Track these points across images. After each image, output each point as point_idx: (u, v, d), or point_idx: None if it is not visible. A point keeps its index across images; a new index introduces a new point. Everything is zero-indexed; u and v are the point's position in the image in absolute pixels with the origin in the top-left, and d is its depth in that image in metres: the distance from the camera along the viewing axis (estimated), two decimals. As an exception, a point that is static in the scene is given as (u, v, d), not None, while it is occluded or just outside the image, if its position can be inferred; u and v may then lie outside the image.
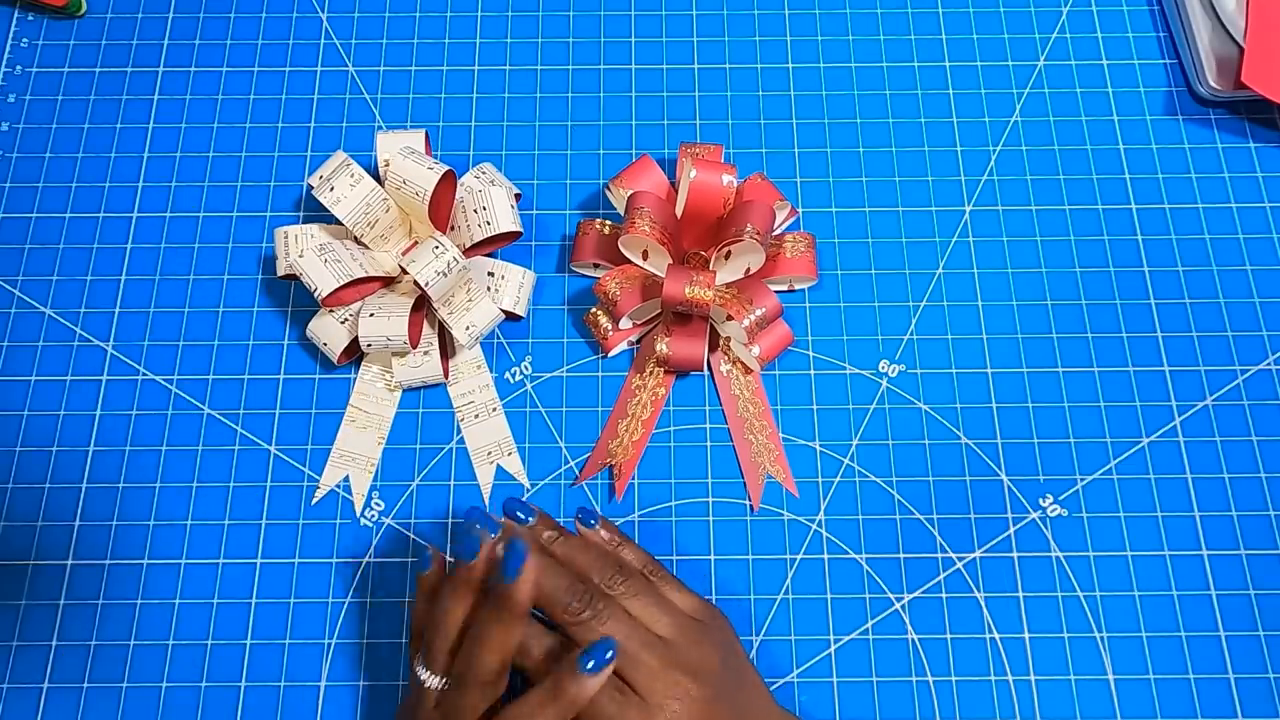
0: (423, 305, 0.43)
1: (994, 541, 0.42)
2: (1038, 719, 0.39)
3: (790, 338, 0.43)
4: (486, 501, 0.43)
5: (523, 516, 0.36)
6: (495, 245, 0.44)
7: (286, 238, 0.43)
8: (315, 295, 0.41)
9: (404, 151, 0.42)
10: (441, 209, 0.43)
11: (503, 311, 0.43)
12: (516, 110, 0.49)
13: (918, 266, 0.46)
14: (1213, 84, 0.48)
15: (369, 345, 0.41)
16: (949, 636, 0.41)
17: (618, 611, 0.35)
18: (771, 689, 0.40)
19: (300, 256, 0.41)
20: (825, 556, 0.42)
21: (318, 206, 0.42)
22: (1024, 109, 0.49)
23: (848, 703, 0.40)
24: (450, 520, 0.42)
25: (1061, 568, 0.41)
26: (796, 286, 0.46)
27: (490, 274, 0.44)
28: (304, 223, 0.45)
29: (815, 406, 0.44)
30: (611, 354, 0.45)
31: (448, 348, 0.44)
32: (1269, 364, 0.44)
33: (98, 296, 0.46)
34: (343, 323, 0.42)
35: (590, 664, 0.32)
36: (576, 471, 0.43)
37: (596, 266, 0.45)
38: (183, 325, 0.45)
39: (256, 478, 0.43)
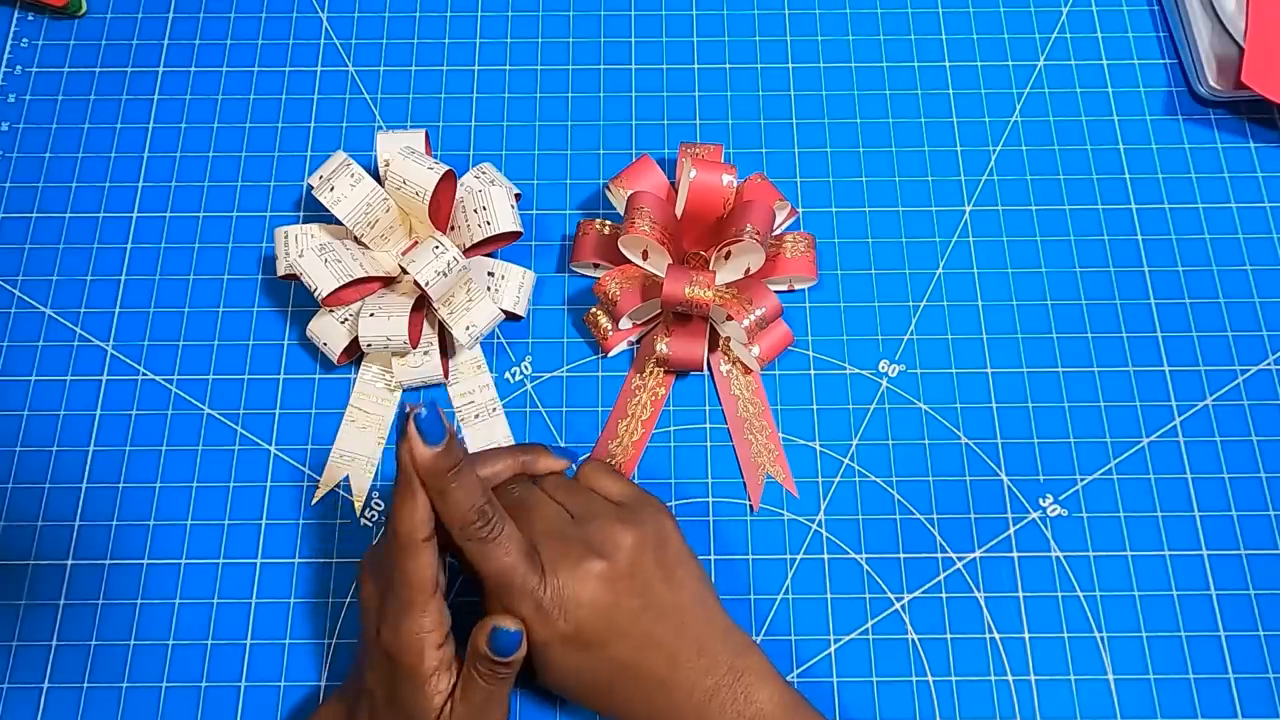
0: (423, 305, 0.43)
1: (994, 541, 0.42)
2: (1038, 719, 0.39)
3: (790, 338, 0.43)
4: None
5: (436, 433, 0.31)
6: (495, 245, 0.44)
7: (286, 238, 0.43)
8: (315, 295, 0.41)
9: (404, 151, 0.42)
10: (441, 209, 0.43)
11: (503, 311, 0.43)
12: (516, 110, 0.49)
13: (918, 266, 0.46)
14: (1213, 84, 0.48)
15: (369, 345, 0.41)
16: (949, 636, 0.41)
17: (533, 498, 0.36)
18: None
19: (300, 256, 0.41)
20: (825, 556, 0.42)
21: (318, 206, 0.42)
22: (1024, 109, 0.49)
23: (848, 703, 0.40)
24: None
25: (1061, 568, 0.41)
26: (796, 286, 0.46)
27: (490, 274, 0.44)
28: (304, 223, 0.45)
29: (815, 406, 0.44)
30: (611, 354, 0.45)
31: (448, 348, 0.44)
32: (1269, 364, 0.44)
33: (98, 296, 0.46)
34: (343, 323, 0.42)
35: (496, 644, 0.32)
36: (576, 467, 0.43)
37: (596, 266, 0.45)
38: (183, 325, 0.45)
39: (256, 478, 0.43)
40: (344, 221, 0.41)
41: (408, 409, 0.31)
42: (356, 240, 0.43)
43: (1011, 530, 0.42)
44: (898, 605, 0.41)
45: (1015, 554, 0.42)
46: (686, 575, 0.36)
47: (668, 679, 0.34)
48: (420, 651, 0.32)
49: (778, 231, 0.45)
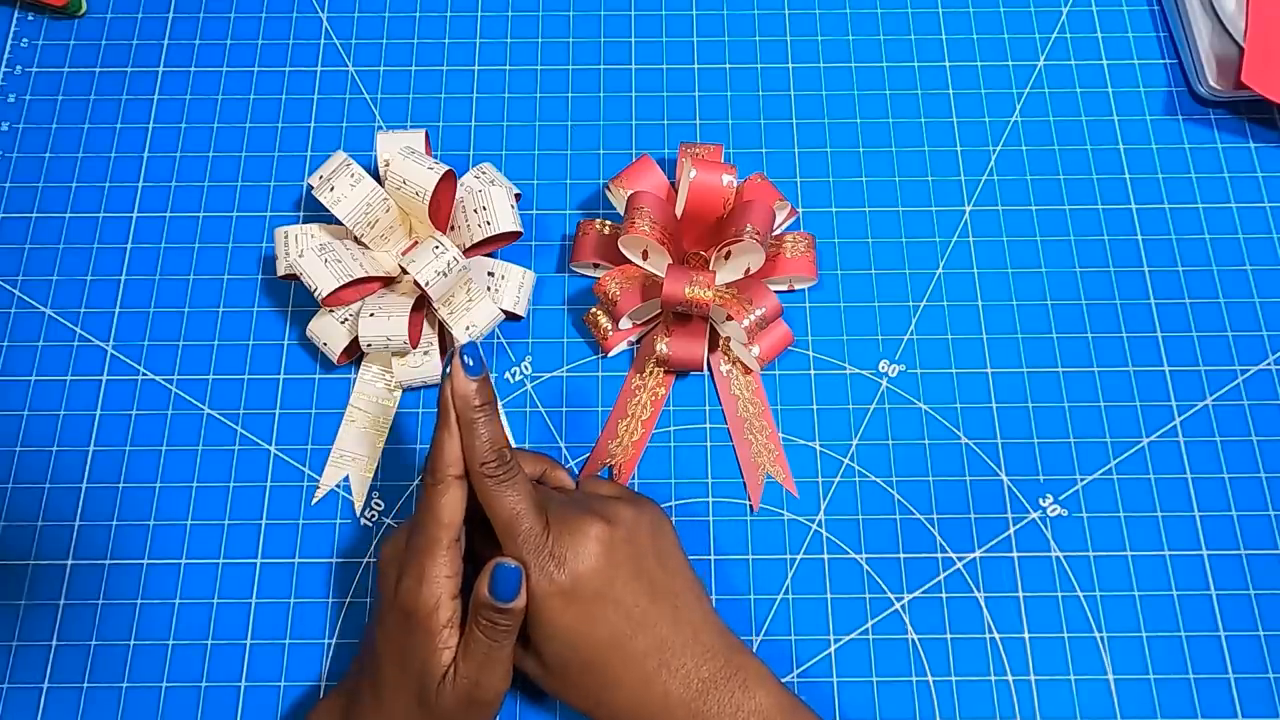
0: (423, 305, 0.43)
1: (994, 541, 0.42)
2: (1038, 719, 0.39)
3: (790, 338, 0.43)
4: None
5: (478, 368, 0.35)
6: (495, 245, 0.44)
7: (286, 238, 0.43)
8: (315, 295, 0.41)
9: (404, 151, 0.42)
10: (441, 209, 0.43)
11: (503, 311, 0.43)
12: (516, 110, 0.49)
13: (918, 266, 0.46)
14: (1213, 84, 0.48)
15: (369, 345, 0.41)
16: (949, 636, 0.41)
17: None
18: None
19: (300, 256, 0.41)
20: (825, 556, 0.42)
21: (318, 206, 0.42)
22: (1024, 109, 0.49)
23: (848, 703, 0.40)
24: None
25: (1061, 568, 0.41)
26: (796, 286, 0.46)
27: (490, 274, 0.44)
28: (304, 223, 0.45)
29: (815, 406, 0.44)
30: (611, 354, 0.45)
31: (448, 348, 0.44)
32: (1269, 364, 0.44)
33: (98, 296, 0.46)
34: (343, 323, 0.42)
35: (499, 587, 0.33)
36: (577, 471, 0.43)
37: (596, 266, 0.45)
38: (183, 325, 0.45)
39: (256, 478, 0.43)
40: (344, 221, 0.41)
41: (454, 348, 0.34)
42: (356, 240, 0.43)
43: (1011, 530, 0.42)
44: (898, 605, 0.41)
45: (1015, 554, 0.42)
46: (681, 567, 0.37)
47: (662, 663, 0.34)
48: (436, 600, 0.33)
49: (778, 231, 0.45)
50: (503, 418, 0.44)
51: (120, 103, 0.49)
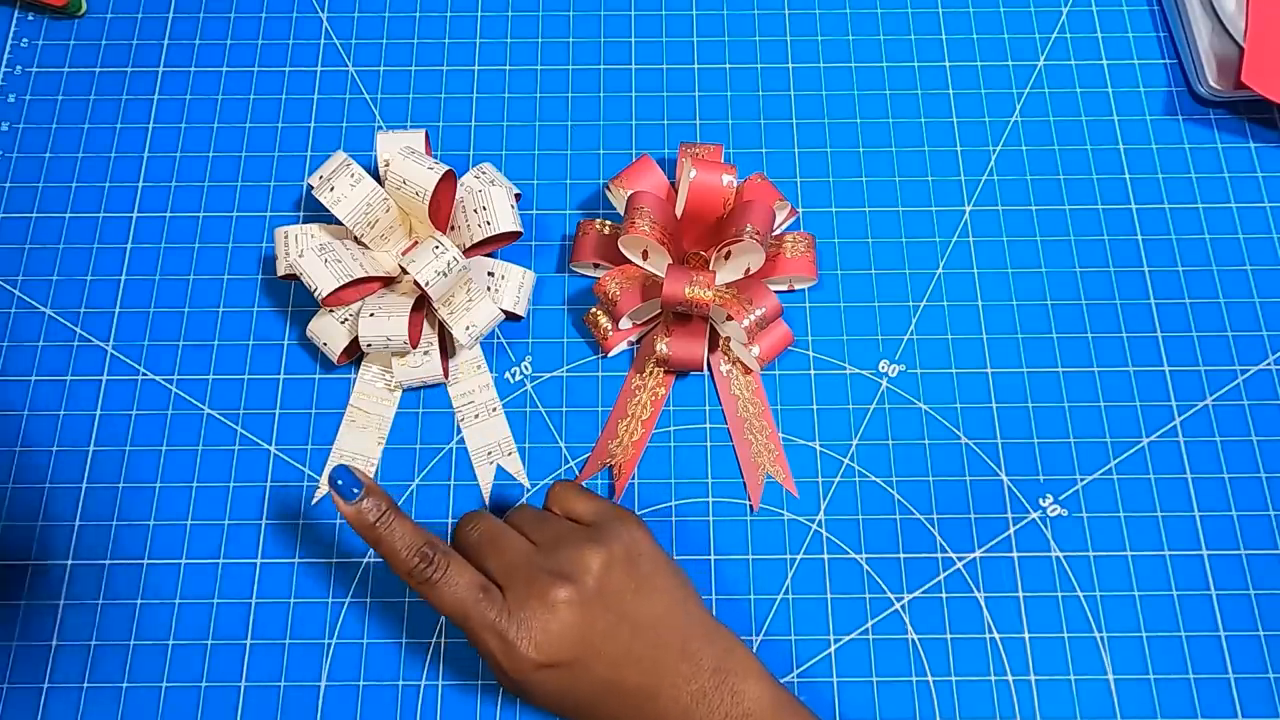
0: (423, 305, 0.43)
1: (994, 541, 0.42)
2: (1038, 719, 0.39)
3: (790, 338, 0.43)
4: (487, 500, 0.43)
5: (353, 492, 0.35)
6: (495, 245, 0.44)
7: (286, 238, 0.43)
8: (315, 295, 0.41)
9: (404, 151, 0.42)
10: (441, 209, 0.43)
11: (503, 311, 0.43)
12: (516, 110, 0.49)
13: (918, 266, 0.46)
14: (1213, 84, 0.48)
15: (369, 345, 0.41)
16: (949, 636, 0.41)
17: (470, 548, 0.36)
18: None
19: (300, 256, 0.41)
20: (825, 556, 0.42)
21: (318, 206, 0.42)
22: (1024, 109, 0.49)
23: (848, 703, 0.40)
24: (450, 520, 0.42)
25: (1061, 568, 0.41)
26: (796, 286, 0.46)
27: (490, 274, 0.44)
28: (304, 223, 0.45)
29: (815, 406, 0.44)
30: (611, 354, 0.45)
31: (448, 348, 0.44)
32: (1269, 364, 0.44)
33: (98, 296, 0.46)
34: (343, 323, 0.42)
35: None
36: (577, 471, 0.43)
37: (596, 266, 0.45)
38: (183, 325, 0.45)
39: (256, 478, 0.43)
40: (344, 221, 0.41)
41: (327, 474, 0.34)
42: (356, 240, 0.43)
43: (1011, 530, 0.42)
44: (898, 605, 0.41)
45: (1015, 554, 0.42)
46: (663, 583, 0.36)
47: (653, 689, 0.35)
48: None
49: (778, 231, 0.45)
50: (502, 421, 0.44)
51: (120, 103, 0.49)
